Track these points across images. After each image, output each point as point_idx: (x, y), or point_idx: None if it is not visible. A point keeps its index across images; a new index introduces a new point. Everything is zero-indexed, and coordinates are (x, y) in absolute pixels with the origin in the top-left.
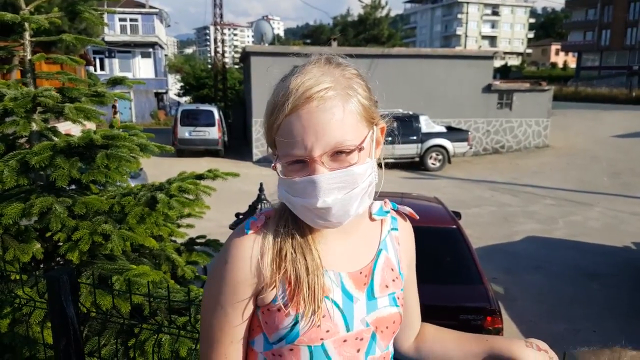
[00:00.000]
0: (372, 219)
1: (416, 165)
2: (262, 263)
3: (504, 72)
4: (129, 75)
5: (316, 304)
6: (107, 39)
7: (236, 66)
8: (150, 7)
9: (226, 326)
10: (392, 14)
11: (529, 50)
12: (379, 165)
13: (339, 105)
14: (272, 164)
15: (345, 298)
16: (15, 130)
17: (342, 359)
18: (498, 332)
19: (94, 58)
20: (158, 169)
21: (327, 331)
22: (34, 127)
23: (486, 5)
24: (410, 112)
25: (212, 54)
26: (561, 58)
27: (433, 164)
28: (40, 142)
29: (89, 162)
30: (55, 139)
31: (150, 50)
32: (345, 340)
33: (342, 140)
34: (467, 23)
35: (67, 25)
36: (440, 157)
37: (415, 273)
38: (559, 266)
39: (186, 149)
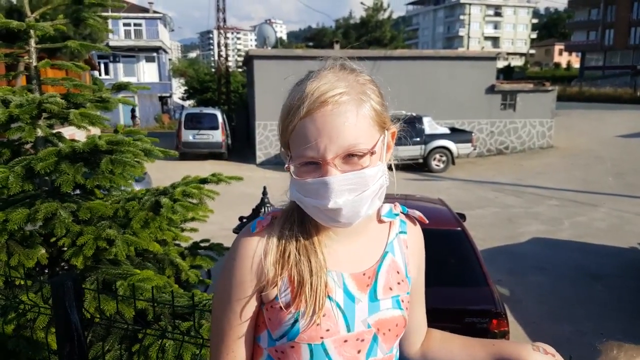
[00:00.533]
0: (380, 221)
1: (420, 166)
2: (265, 262)
3: (507, 73)
4: (134, 79)
5: (318, 304)
6: (111, 43)
7: (239, 70)
8: (154, 11)
9: (232, 321)
10: (394, 16)
11: (532, 51)
12: (389, 168)
13: (353, 110)
14: (286, 165)
15: (347, 299)
16: (20, 137)
17: (343, 359)
18: (504, 334)
19: (99, 63)
20: (162, 173)
21: (328, 330)
22: (39, 133)
23: (488, 6)
24: (414, 114)
25: (216, 57)
26: (565, 58)
27: (437, 165)
28: (45, 148)
29: (94, 168)
30: (61, 144)
31: (155, 54)
32: (345, 341)
33: (355, 144)
34: (469, 24)
35: (72, 32)
36: (444, 158)
37: (423, 278)
38: (564, 267)
39: (190, 152)
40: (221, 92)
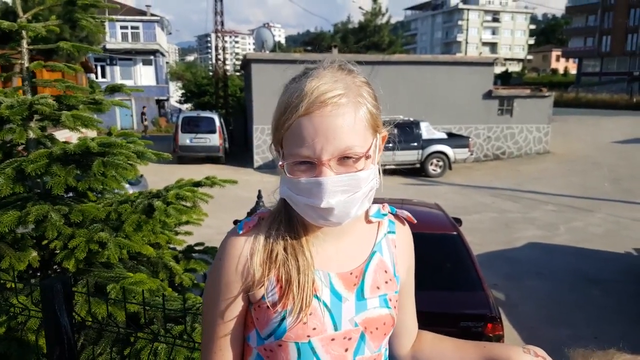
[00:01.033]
0: (368, 221)
1: (417, 171)
2: (251, 262)
3: (504, 79)
4: (131, 82)
5: (305, 301)
6: (108, 46)
7: (237, 73)
8: (152, 14)
9: (219, 321)
10: (393, 20)
11: (530, 57)
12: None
13: (351, 112)
14: (280, 163)
15: (334, 298)
16: (12, 138)
17: (330, 357)
18: (499, 339)
19: (96, 65)
20: (159, 176)
21: (314, 329)
22: (31, 134)
23: (487, 12)
24: (411, 119)
25: (214, 61)
26: (562, 64)
27: (434, 170)
28: (37, 150)
29: (86, 170)
30: (53, 146)
31: (152, 57)
32: (333, 339)
33: (351, 146)
34: (467, 30)
35: (68, 33)
36: (441, 163)
37: (413, 279)
38: (560, 272)
39: (187, 156)
40: (219, 95)
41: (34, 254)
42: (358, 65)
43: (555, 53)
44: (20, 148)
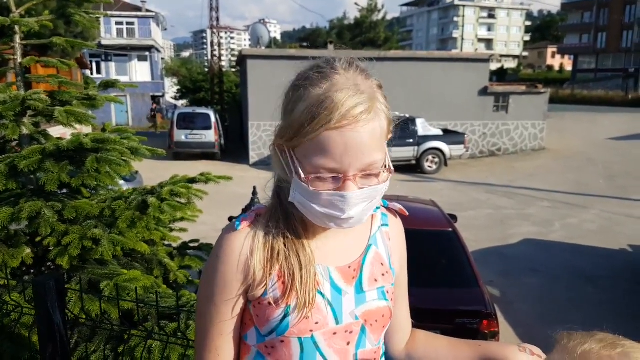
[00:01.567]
0: None
1: (413, 168)
2: (252, 260)
3: (500, 75)
4: (126, 78)
5: (309, 296)
6: (103, 42)
7: (233, 69)
8: (147, 10)
9: (217, 320)
10: (389, 17)
11: (525, 53)
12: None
13: (376, 127)
14: (303, 176)
15: (334, 291)
16: (5, 134)
17: (332, 351)
18: (494, 335)
19: (91, 62)
20: (154, 172)
21: (317, 323)
22: (24, 130)
23: (482, 8)
24: (407, 115)
25: (209, 57)
26: (557, 61)
27: (429, 166)
28: (30, 146)
29: (79, 166)
30: (46, 142)
31: (147, 53)
32: (335, 333)
33: (376, 161)
34: (463, 26)
35: (62, 29)
36: (436, 160)
37: (406, 274)
38: (556, 269)
39: (183, 152)
40: (214, 92)
41: (27, 250)
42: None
43: (550, 50)
44: (13, 144)
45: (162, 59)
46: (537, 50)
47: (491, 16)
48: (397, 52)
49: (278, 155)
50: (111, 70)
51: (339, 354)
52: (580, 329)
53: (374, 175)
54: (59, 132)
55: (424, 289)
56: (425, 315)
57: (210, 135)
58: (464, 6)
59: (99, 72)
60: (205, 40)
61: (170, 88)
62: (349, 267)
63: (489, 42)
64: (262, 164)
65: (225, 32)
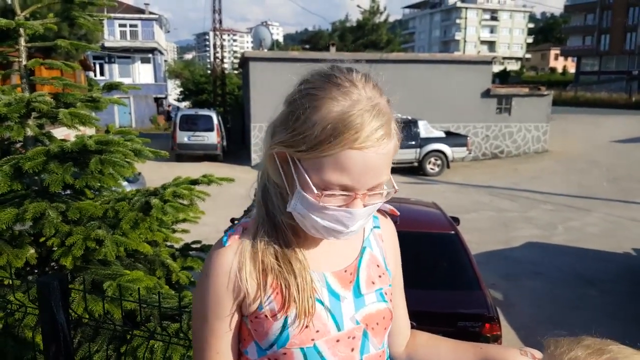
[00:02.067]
0: None
1: (415, 170)
2: (241, 275)
3: (503, 77)
4: (129, 80)
5: (308, 304)
6: (107, 44)
7: (235, 71)
8: (150, 12)
9: (210, 337)
10: (391, 19)
11: (528, 55)
12: None
13: (392, 148)
14: (297, 181)
15: (332, 297)
16: (9, 136)
17: (338, 359)
18: (496, 339)
19: (94, 64)
20: (157, 174)
21: (318, 331)
22: (29, 132)
23: (485, 10)
24: (409, 117)
25: (212, 59)
26: (560, 63)
27: (432, 169)
28: (34, 147)
29: (83, 167)
30: (50, 144)
31: (150, 55)
32: (338, 340)
33: (385, 180)
34: (465, 28)
35: (67, 32)
36: (439, 162)
37: (402, 276)
38: (558, 272)
39: (185, 154)
40: (217, 93)
41: (32, 251)
42: (358, 66)
43: (553, 52)
44: (18, 145)
45: (165, 61)
46: (539, 53)
47: (494, 18)
48: (399, 55)
49: (276, 163)
50: (114, 72)
51: None
52: (581, 332)
53: (380, 194)
54: (63, 133)
55: (425, 291)
56: (426, 318)
57: (212, 137)
58: (466, 8)
59: (102, 74)
60: (207, 43)
61: (173, 90)
62: (345, 271)
63: (491, 44)
64: None
65: (228, 34)
